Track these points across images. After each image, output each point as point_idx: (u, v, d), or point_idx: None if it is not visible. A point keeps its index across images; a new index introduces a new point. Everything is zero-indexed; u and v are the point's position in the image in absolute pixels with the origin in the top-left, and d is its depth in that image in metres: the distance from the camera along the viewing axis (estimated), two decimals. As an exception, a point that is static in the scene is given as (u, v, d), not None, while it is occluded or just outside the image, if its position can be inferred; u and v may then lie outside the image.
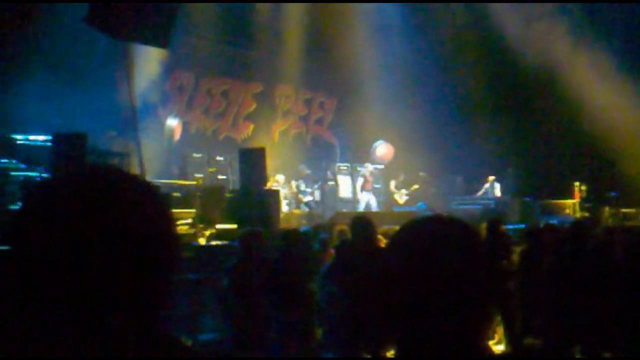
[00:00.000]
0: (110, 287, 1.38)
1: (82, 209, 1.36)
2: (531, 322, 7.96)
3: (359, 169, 19.79)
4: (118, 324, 1.40)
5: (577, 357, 6.81)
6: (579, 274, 6.40)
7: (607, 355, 7.07)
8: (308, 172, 19.29)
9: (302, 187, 18.06)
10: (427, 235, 1.65)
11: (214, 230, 11.77)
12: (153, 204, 1.47)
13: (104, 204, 1.38)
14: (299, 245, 6.11)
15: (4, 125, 12.63)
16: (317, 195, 18.77)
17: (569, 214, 17.80)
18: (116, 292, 1.39)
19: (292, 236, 6.25)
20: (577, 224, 7.30)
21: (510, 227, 12.29)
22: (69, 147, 10.77)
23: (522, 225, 12.71)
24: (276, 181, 16.78)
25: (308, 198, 18.12)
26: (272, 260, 6.03)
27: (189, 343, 5.44)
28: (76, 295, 1.37)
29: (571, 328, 6.51)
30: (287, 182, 17.72)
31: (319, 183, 18.93)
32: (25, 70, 13.19)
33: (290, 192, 17.57)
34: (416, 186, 19.54)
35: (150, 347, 1.47)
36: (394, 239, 1.72)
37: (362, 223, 6.32)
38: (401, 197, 19.61)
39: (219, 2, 18.15)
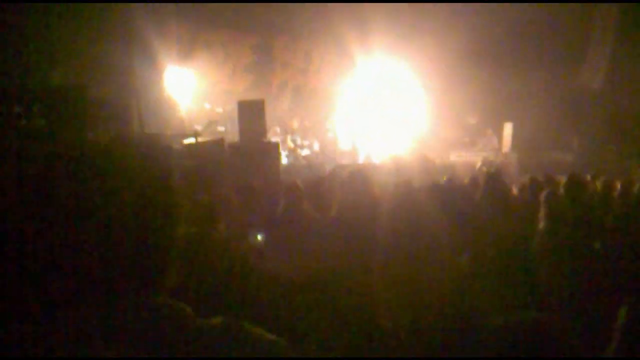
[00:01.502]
0: (121, 261, 1.37)
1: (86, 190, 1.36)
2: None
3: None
4: (126, 295, 1.39)
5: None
6: (577, 227, 6.44)
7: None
8: (307, 123, 19.27)
9: (298, 141, 18.06)
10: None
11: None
12: (155, 176, 1.48)
13: (109, 181, 1.38)
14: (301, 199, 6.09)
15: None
16: (316, 146, 18.75)
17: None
18: (127, 266, 1.38)
19: (293, 190, 6.22)
20: (573, 177, 7.29)
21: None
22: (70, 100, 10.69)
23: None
24: (275, 133, 16.75)
25: (306, 151, 18.12)
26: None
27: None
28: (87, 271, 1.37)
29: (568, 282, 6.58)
30: (284, 134, 17.74)
31: (318, 136, 18.92)
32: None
33: (288, 145, 17.58)
34: None
35: (157, 319, 1.47)
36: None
37: (360, 177, 6.27)
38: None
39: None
